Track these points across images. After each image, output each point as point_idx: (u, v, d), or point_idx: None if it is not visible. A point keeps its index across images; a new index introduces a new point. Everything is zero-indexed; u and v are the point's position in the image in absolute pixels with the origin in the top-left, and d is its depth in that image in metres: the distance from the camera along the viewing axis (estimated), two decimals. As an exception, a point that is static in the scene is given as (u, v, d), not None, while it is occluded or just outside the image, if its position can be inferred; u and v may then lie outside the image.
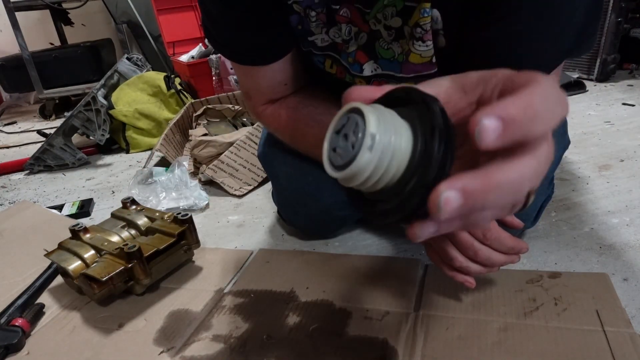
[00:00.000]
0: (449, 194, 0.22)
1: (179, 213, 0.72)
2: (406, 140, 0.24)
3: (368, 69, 0.57)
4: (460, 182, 0.22)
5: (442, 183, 0.22)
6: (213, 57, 1.78)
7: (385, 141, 0.24)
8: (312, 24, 0.56)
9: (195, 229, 0.72)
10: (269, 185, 1.07)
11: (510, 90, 0.26)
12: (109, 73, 1.59)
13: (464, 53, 0.50)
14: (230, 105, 1.32)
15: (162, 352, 0.56)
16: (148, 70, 1.76)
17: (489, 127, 0.21)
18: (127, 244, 0.64)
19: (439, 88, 0.30)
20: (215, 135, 1.16)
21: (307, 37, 0.58)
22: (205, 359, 0.54)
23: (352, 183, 0.25)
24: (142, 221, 0.73)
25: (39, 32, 2.67)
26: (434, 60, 0.52)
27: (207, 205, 1.00)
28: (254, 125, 1.16)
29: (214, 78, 1.79)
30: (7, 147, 1.81)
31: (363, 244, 0.77)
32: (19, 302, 0.64)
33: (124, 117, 1.47)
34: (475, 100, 0.29)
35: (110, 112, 1.45)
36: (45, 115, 2.24)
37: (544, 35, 0.46)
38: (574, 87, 1.59)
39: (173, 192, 1.01)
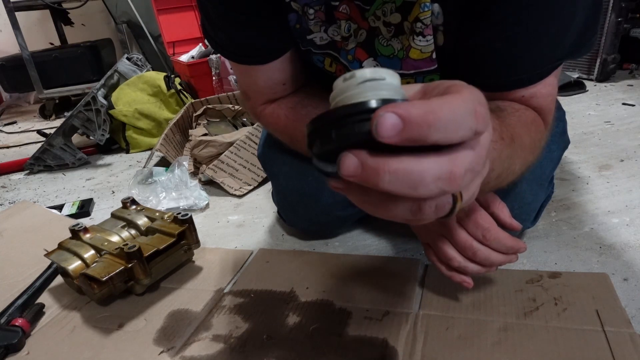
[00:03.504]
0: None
1: (179, 213, 0.72)
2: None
3: (368, 67, 0.57)
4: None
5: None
6: (213, 57, 1.78)
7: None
8: (311, 22, 0.56)
9: (195, 229, 0.72)
10: (269, 185, 1.07)
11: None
12: (109, 73, 1.59)
13: (463, 54, 0.50)
14: (230, 105, 1.32)
15: (162, 352, 0.56)
16: (148, 70, 1.75)
17: (386, 122, 0.22)
18: (127, 244, 0.64)
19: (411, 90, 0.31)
20: (215, 135, 1.16)
21: (306, 36, 0.58)
22: (205, 359, 0.54)
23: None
24: (142, 221, 0.73)
25: (39, 32, 2.67)
26: (434, 56, 0.52)
27: (207, 205, 1.00)
28: (254, 125, 1.16)
29: (214, 78, 1.79)
30: (7, 147, 1.81)
31: (363, 244, 0.77)
32: (19, 302, 0.64)
33: (124, 117, 1.47)
34: None
35: (110, 112, 1.45)
36: (45, 115, 2.24)
37: (544, 37, 0.46)
38: (574, 87, 1.59)
39: (173, 192, 1.01)
